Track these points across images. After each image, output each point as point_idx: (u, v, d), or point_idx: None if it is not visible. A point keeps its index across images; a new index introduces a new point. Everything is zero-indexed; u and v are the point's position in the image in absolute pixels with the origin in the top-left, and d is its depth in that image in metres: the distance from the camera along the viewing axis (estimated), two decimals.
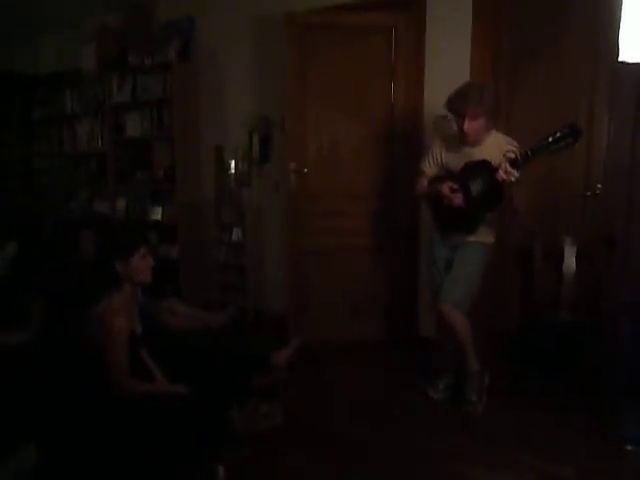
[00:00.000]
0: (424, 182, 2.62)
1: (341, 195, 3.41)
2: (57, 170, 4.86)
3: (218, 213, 4.09)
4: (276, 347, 2.66)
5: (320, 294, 3.49)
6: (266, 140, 3.86)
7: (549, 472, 2.06)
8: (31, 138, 5.09)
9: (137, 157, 4.40)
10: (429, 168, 2.61)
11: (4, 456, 1.91)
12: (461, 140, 2.44)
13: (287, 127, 3.38)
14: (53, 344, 2.52)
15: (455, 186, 2.41)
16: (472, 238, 2.51)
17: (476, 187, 2.38)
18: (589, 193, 2.94)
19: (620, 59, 2.54)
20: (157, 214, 4.25)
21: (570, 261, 2.85)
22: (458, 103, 2.34)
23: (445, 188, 2.42)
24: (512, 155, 2.23)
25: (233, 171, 3.96)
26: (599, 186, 2.90)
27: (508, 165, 2.20)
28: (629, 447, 2.18)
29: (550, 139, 2.16)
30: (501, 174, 2.21)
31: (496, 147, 2.37)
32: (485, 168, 2.35)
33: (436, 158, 2.58)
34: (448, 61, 3.10)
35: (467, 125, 2.33)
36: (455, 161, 2.49)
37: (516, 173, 2.19)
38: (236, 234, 3.99)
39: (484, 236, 2.53)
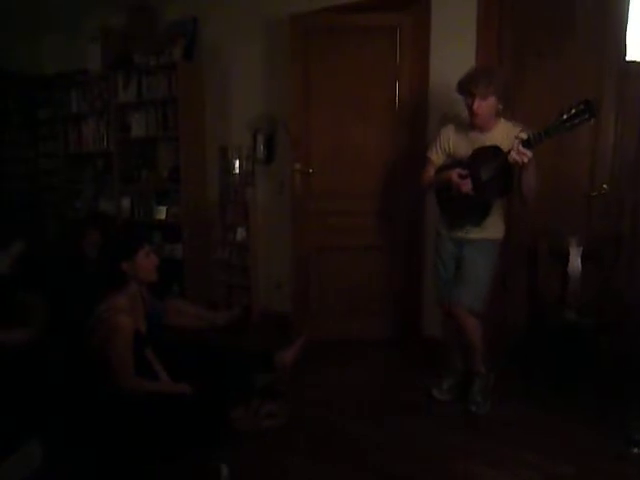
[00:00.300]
0: (431, 171, 2.58)
1: (346, 195, 3.40)
2: (62, 170, 4.88)
3: (223, 213, 4.09)
4: (280, 346, 2.66)
5: (325, 293, 3.49)
6: (271, 140, 3.86)
7: (552, 471, 2.05)
8: (37, 138, 5.14)
9: (142, 157, 4.41)
10: (436, 156, 2.56)
11: (7, 455, 1.91)
12: (471, 122, 2.40)
13: (292, 127, 3.38)
14: (57, 343, 2.52)
15: (464, 172, 2.38)
16: (480, 234, 2.46)
17: (486, 172, 2.34)
18: (595, 193, 2.92)
19: (628, 58, 2.52)
20: (162, 214, 4.26)
21: (576, 261, 2.83)
22: (468, 83, 2.33)
23: (454, 175, 2.39)
24: (524, 135, 2.19)
25: (238, 171, 3.96)
26: (605, 186, 2.88)
27: (520, 145, 2.15)
28: (636, 450, 2.15)
29: (565, 116, 2.07)
30: (513, 155, 2.17)
31: (505, 133, 2.34)
32: (496, 153, 2.31)
33: (444, 145, 2.53)
34: (453, 61, 3.08)
35: (477, 104, 2.31)
36: (464, 147, 2.45)
37: (529, 153, 2.14)
38: (240, 234, 3.99)
39: (492, 232, 2.48)
